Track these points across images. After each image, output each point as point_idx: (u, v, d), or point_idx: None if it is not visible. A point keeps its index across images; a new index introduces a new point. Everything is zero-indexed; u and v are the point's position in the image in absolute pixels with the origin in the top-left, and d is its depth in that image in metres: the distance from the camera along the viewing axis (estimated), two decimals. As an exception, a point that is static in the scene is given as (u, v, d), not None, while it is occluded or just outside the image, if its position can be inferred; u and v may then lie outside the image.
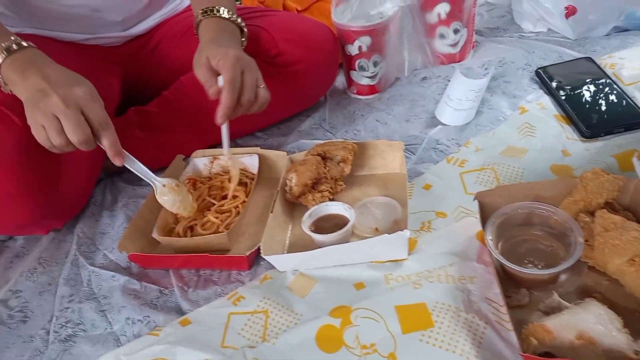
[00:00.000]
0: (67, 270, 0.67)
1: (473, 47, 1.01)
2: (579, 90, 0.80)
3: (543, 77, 0.85)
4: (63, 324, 0.60)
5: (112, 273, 0.65)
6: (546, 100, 0.81)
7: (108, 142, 0.59)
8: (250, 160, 0.77)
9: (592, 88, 0.80)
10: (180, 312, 0.58)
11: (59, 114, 0.56)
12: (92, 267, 0.67)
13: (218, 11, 0.72)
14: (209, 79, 0.66)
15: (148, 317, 0.57)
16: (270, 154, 0.78)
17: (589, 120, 0.74)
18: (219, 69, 0.65)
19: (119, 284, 0.63)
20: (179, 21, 0.94)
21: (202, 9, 0.73)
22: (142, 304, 0.59)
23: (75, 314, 0.61)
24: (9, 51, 0.61)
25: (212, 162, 0.79)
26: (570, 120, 0.75)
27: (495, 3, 1.20)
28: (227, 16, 0.73)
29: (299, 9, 1.05)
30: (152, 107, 0.88)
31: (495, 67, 0.93)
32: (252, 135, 0.92)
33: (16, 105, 0.64)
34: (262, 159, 0.77)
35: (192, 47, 0.75)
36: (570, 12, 0.96)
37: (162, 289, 0.61)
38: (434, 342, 0.48)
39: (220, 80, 0.64)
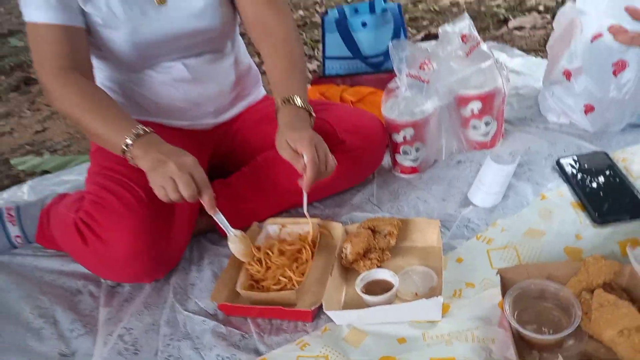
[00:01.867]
0: (166, 314, 0.84)
1: (502, 136, 1.17)
2: (593, 181, 0.94)
3: (563, 168, 1.00)
4: (166, 357, 0.76)
5: (203, 318, 0.81)
6: (564, 188, 0.95)
7: (207, 197, 0.79)
8: (307, 229, 0.94)
9: (605, 180, 0.94)
10: (259, 353, 0.73)
11: (174, 176, 0.76)
12: (186, 312, 0.84)
13: (294, 100, 0.90)
14: (294, 158, 0.83)
15: (234, 355, 0.73)
16: (328, 224, 0.95)
17: (600, 208, 0.87)
18: (300, 150, 0.82)
19: (209, 327, 0.79)
20: (257, 110, 1.15)
21: (282, 98, 0.90)
22: (228, 344, 0.75)
23: (175, 350, 0.77)
24: (137, 136, 0.82)
25: (280, 228, 0.96)
26: (584, 207, 0.89)
27: (524, 94, 1.37)
28: (300, 104, 0.90)
29: (353, 100, 1.25)
30: (233, 179, 1.07)
31: (521, 156, 1.08)
32: (311, 205, 1.09)
33: (139, 179, 0.85)
34: (321, 228, 0.94)
35: (267, 131, 0.95)
36: (588, 109, 1.11)
37: (243, 333, 0.77)
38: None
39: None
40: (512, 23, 2.14)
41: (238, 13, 1.03)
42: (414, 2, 2.92)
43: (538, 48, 1.80)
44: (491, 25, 2.20)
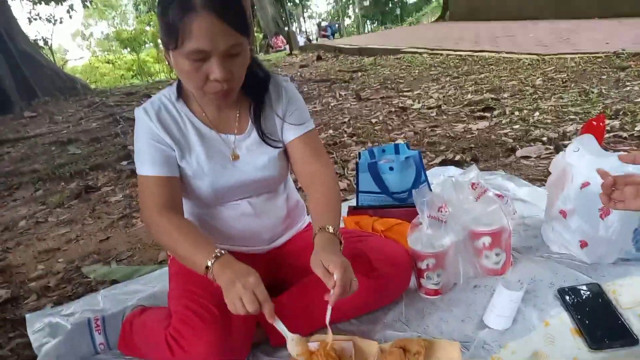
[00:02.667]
0: (231, 416, 1.01)
1: (511, 264, 1.38)
2: (588, 310, 1.12)
3: (563, 297, 1.19)
4: None
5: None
6: (565, 315, 1.13)
7: (268, 309, 0.99)
8: (347, 345, 1.13)
9: (598, 309, 1.12)
10: None
11: (242, 295, 0.97)
12: (248, 416, 1.01)
13: (328, 229, 1.14)
14: (325, 275, 1.03)
15: None
16: (364, 342, 1.13)
17: (594, 336, 1.04)
18: (331, 269, 1.03)
19: None
20: (303, 237, 1.39)
21: (318, 227, 1.14)
22: None
23: None
24: (215, 258, 1.05)
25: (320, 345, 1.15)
26: (581, 333, 1.06)
27: (530, 224, 1.59)
28: (332, 231, 1.14)
29: (383, 229, 1.49)
30: (284, 298, 1.28)
31: (528, 283, 1.28)
32: (349, 322, 1.28)
33: (213, 299, 1.07)
34: (356, 345, 1.13)
35: (309, 258, 1.18)
36: (583, 244, 1.32)
37: None
38: None
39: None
40: (520, 152, 2.43)
41: (290, 164, 1.32)
42: (431, 127, 3.30)
43: (543, 178, 2.05)
44: (500, 154, 2.50)
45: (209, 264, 1.04)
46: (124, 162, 3.87)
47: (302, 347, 1.05)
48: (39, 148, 4.97)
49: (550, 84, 3.87)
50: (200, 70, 1.03)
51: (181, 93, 1.22)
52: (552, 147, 2.40)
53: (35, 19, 12.17)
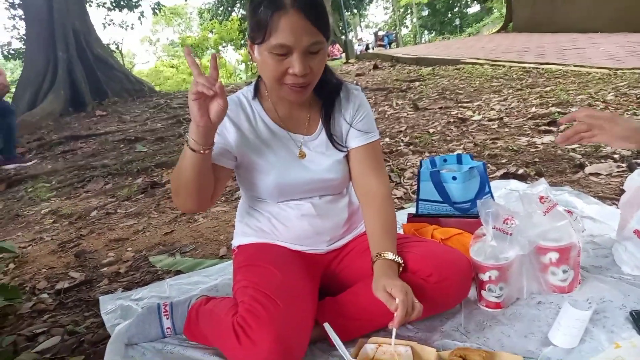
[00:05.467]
0: (290, 408, 1.05)
1: (579, 283, 1.33)
2: (664, 336, 1.06)
3: (636, 319, 1.13)
4: None
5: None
6: (637, 340, 1.08)
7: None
8: (405, 350, 1.13)
9: (675, 336, 1.06)
10: None
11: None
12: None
13: (386, 255, 1.17)
14: (389, 300, 1.07)
15: None
16: (422, 349, 1.13)
17: (670, 362, 0.99)
18: (394, 294, 1.06)
19: None
20: (362, 240, 1.41)
21: (376, 253, 1.19)
22: None
23: None
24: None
25: (377, 347, 1.16)
26: (656, 359, 1.01)
27: (600, 243, 1.53)
28: (391, 258, 1.17)
29: (443, 238, 1.48)
30: (342, 298, 1.31)
31: (597, 303, 1.23)
32: (405, 327, 1.28)
33: (279, 294, 1.11)
34: (414, 350, 1.13)
35: (369, 260, 1.20)
36: (659, 267, 1.26)
37: None
38: None
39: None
40: (589, 169, 2.33)
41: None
42: (492, 140, 3.22)
43: (614, 196, 1.96)
44: (567, 169, 2.40)
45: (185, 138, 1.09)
46: (187, 161, 4.04)
47: None
48: (108, 144, 5.29)
49: (623, 100, 3.67)
50: (281, 64, 1.11)
51: (257, 92, 1.29)
52: (624, 165, 2.29)
53: (109, 24, 13.00)
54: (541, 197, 1.30)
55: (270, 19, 1.06)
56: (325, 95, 1.31)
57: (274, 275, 1.21)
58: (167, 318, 1.37)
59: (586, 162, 2.42)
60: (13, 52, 11.11)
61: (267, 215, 1.35)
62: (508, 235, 1.25)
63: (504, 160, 2.73)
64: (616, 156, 2.43)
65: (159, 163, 4.08)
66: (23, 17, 8.80)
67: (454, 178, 1.60)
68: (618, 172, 2.24)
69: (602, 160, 2.42)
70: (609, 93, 3.96)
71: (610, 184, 2.13)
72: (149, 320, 1.36)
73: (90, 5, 11.25)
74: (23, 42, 9.80)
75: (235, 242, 1.43)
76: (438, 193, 1.62)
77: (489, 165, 2.68)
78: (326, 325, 1.08)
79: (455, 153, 1.73)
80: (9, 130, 4.83)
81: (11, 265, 2.21)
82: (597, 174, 2.26)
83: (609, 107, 3.53)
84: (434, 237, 1.51)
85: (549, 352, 1.10)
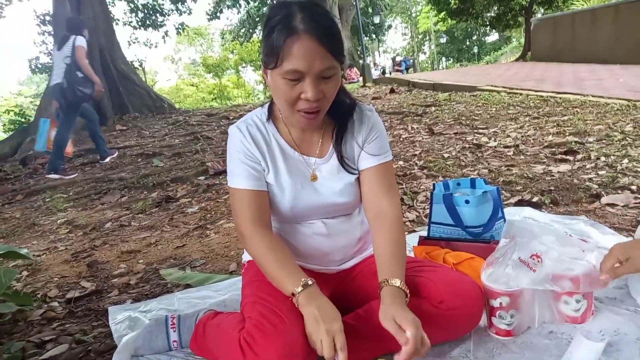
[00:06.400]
0: None
1: (592, 314, 1.30)
2: (680, 372, 1.03)
3: (651, 353, 1.10)
4: None
5: None
6: (652, 374, 1.04)
7: (342, 358, 1.01)
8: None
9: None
10: None
11: (322, 339, 1.02)
12: None
13: (394, 282, 1.15)
14: (398, 331, 1.04)
15: None
16: (431, 374, 1.11)
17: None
18: (403, 326, 1.04)
19: None
20: (372, 262, 1.40)
21: (384, 279, 1.17)
22: None
23: None
24: (304, 287, 1.10)
25: None
26: (671, 395, 0.98)
27: (616, 275, 1.49)
28: (398, 285, 1.15)
29: (454, 262, 1.47)
30: (348, 319, 1.30)
31: (611, 335, 1.20)
32: (412, 352, 1.26)
33: (284, 308, 1.11)
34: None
35: (377, 283, 1.19)
36: (676, 301, 1.22)
37: None
38: None
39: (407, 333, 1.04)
40: (605, 199, 2.29)
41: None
42: (507, 166, 3.20)
43: (630, 228, 1.92)
44: (584, 199, 2.37)
45: (297, 291, 1.10)
46: (202, 177, 4.10)
47: None
48: (127, 158, 5.39)
49: (642, 131, 3.64)
50: (294, 89, 1.11)
51: (271, 114, 1.31)
52: (641, 197, 2.25)
53: (134, 42, 13.39)
54: (583, 240, 1.28)
55: (283, 45, 1.07)
56: (338, 116, 1.31)
57: (282, 292, 1.21)
58: (174, 331, 1.37)
59: (602, 192, 2.38)
60: (40, 66, 11.48)
61: (278, 233, 1.36)
62: (532, 270, 1.23)
63: (518, 188, 2.71)
64: (633, 187, 2.40)
65: (174, 178, 4.13)
66: (52, 32, 9.10)
67: (467, 202, 1.60)
68: (635, 203, 2.20)
69: (619, 191, 2.38)
70: (628, 124, 3.93)
71: (626, 215, 2.09)
72: (156, 332, 1.37)
73: (117, 24, 11.61)
74: (50, 57, 10.13)
75: (245, 257, 1.44)
76: (450, 216, 1.61)
77: (503, 191, 2.66)
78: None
79: (470, 177, 1.72)
80: (93, 134, 5.38)
81: (24, 273, 2.24)
82: (613, 205, 2.22)
83: (628, 137, 3.49)
84: (446, 261, 1.49)
85: (559, 383, 1.07)
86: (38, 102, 8.31)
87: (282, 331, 1.10)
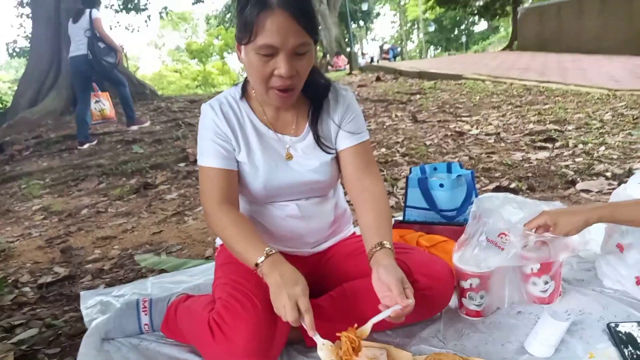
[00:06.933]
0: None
1: (560, 295, 1.32)
2: (636, 347, 1.05)
3: (612, 331, 1.12)
4: None
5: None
6: (612, 351, 1.07)
7: (307, 322, 1.01)
8: (381, 353, 1.12)
9: (652, 349, 1.05)
10: None
11: (285, 304, 1.01)
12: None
13: (385, 245, 1.14)
14: (402, 292, 1.05)
15: None
16: (397, 352, 1.12)
17: (645, 375, 0.98)
18: (391, 287, 1.04)
19: None
20: (347, 244, 1.40)
21: (375, 243, 1.14)
22: None
23: None
24: (267, 255, 1.09)
25: None
26: (630, 372, 1.00)
27: (585, 257, 1.52)
28: (389, 247, 1.14)
29: (428, 245, 1.48)
30: (321, 301, 1.30)
31: (576, 315, 1.22)
32: (384, 333, 1.27)
33: (256, 290, 1.10)
34: (390, 354, 1.11)
35: (353, 263, 1.19)
36: (639, 280, 1.25)
37: None
38: None
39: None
40: (580, 185, 2.32)
41: (340, 173, 1.34)
42: (487, 154, 3.23)
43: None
44: (559, 185, 2.40)
45: (259, 261, 1.08)
46: (182, 164, 4.05)
47: (331, 353, 1.05)
48: (105, 145, 5.30)
49: (620, 120, 3.69)
50: (267, 65, 1.09)
51: (245, 93, 1.29)
52: (615, 183, 2.29)
53: (116, 26, 13.10)
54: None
55: (256, 19, 1.05)
56: (313, 97, 1.30)
57: (253, 274, 1.20)
58: (146, 314, 1.36)
59: (578, 179, 2.42)
60: (18, 50, 11.18)
61: (252, 215, 1.35)
62: (500, 249, 1.24)
63: (497, 174, 2.73)
64: (608, 174, 2.44)
65: (154, 164, 4.08)
66: (30, 15, 8.85)
67: (441, 185, 1.60)
68: (609, 189, 2.24)
69: (594, 178, 2.42)
70: (607, 113, 3.98)
71: (600, 201, 2.12)
72: (127, 316, 1.35)
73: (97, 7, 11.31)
74: (29, 40, 9.85)
75: (218, 242, 1.43)
76: (425, 200, 1.62)
77: (482, 178, 2.68)
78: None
79: (447, 162, 1.73)
80: (125, 98, 5.54)
81: (-3, 259, 2.20)
82: (588, 191, 2.26)
83: (606, 126, 3.54)
84: (419, 244, 1.50)
85: (524, 361, 1.08)
86: (16, 87, 8.11)
87: (251, 312, 1.10)
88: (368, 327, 1.06)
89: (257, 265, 1.09)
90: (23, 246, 2.40)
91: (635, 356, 1.04)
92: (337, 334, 1.06)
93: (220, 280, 1.25)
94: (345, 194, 1.41)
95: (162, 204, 3.00)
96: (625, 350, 1.06)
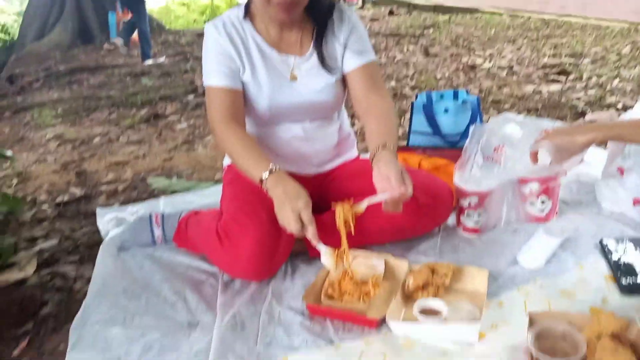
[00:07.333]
0: (266, 306, 1.11)
1: (557, 214, 1.36)
2: (626, 260, 1.10)
3: (604, 246, 1.17)
4: (265, 335, 1.03)
5: (294, 313, 1.08)
6: (602, 263, 1.12)
7: (310, 233, 1.06)
8: (379, 262, 1.18)
9: (638, 261, 1.10)
10: (333, 342, 0.98)
11: (288, 217, 1.06)
12: (280, 307, 1.11)
13: (387, 146, 1.13)
14: (383, 184, 1.08)
15: (314, 340, 0.98)
16: (395, 261, 1.19)
17: (628, 282, 1.03)
18: (390, 177, 1.06)
19: (297, 320, 1.05)
20: (350, 166, 1.44)
21: (378, 144, 1.14)
22: (311, 333, 1.01)
23: (271, 331, 1.03)
24: (271, 172, 1.13)
25: (353, 258, 1.21)
26: (615, 279, 1.06)
27: (585, 182, 1.55)
28: (391, 148, 1.14)
29: (429, 169, 1.51)
30: (325, 217, 1.35)
31: (571, 233, 1.26)
32: (383, 247, 1.33)
33: (262, 204, 1.16)
34: (387, 263, 1.18)
35: (356, 183, 1.22)
36: (636, 202, 1.28)
37: (323, 327, 1.03)
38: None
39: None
40: (589, 116, 2.31)
41: (347, 92, 1.35)
42: (499, 86, 3.18)
43: (609, 142, 1.95)
44: (569, 116, 2.38)
45: (264, 176, 1.12)
46: (191, 96, 4.04)
47: (334, 260, 1.11)
48: (115, 77, 5.27)
49: (638, 53, 3.57)
50: None
51: (248, 12, 1.27)
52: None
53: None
54: (545, 131, 1.30)
55: None
56: (318, 16, 1.28)
57: (259, 190, 1.25)
58: (158, 227, 1.43)
59: (588, 110, 2.39)
60: (21, -20, 10.85)
61: (256, 136, 1.38)
62: (497, 164, 1.26)
63: (507, 106, 2.71)
64: (619, 105, 2.41)
65: (163, 96, 4.08)
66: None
67: (446, 110, 1.61)
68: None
69: (605, 109, 2.39)
70: (626, 46, 3.85)
71: (607, 131, 2.11)
72: (141, 228, 1.43)
73: None
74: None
75: (225, 161, 1.47)
76: (429, 125, 1.63)
77: (490, 109, 2.67)
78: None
79: (453, 90, 1.72)
80: (144, 33, 5.77)
81: (14, 181, 2.28)
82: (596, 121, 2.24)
83: (623, 59, 3.44)
84: (421, 167, 1.53)
85: (515, 271, 1.14)
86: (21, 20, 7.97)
87: (257, 223, 1.16)
88: (363, 204, 1.10)
89: (261, 181, 1.13)
90: (39, 170, 2.47)
91: (621, 267, 1.09)
92: (333, 205, 1.12)
93: (227, 196, 1.31)
94: (352, 116, 1.43)
95: (173, 133, 3.03)
96: (613, 262, 1.10)
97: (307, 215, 1.06)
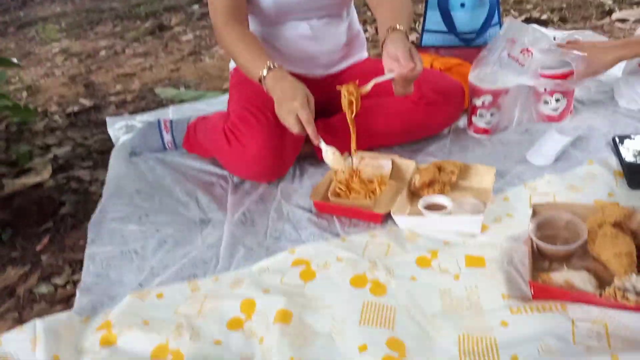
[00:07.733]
0: (275, 205, 1.14)
1: (571, 113, 1.32)
2: (636, 155, 1.08)
3: (616, 142, 1.15)
4: (274, 230, 1.06)
5: (302, 210, 1.11)
6: (612, 159, 1.10)
7: (310, 131, 1.04)
8: (386, 163, 1.18)
9: (650, 156, 1.08)
10: (339, 236, 1.01)
11: (286, 118, 1.04)
12: (289, 206, 1.13)
13: (398, 27, 1.08)
14: (391, 64, 1.04)
15: (322, 234, 1.02)
16: (402, 161, 1.19)
17: (637, 176, 1.02)
18: (398, 54, 1.02)
19: (305, 216, 1.08)
20: (359, 67, 1.39)
21: (389, 27, 1.09)
22: (318, 227, 1.04)
23: (280, 226, 1.07)
24: (269, 69, 1.10)
25: (360, 159, 1.20)
26: (624, 174, 1.05)
27: (604, 81, 1.48)
28: (402, 29, 1.09)
29: (442, 68, 1.45)
30: (334, 120, 1.34)
31: (583, 131, 1.24)
32: (391, 149, 1.33)
33: (267, 105, 1.14)
34: (395, 163, 1.18)
35: (365, 84, 1.19)
36: (655, 98, 1.23)
37: (329, 222, 1.06)
38: (483, 276, 0.85)
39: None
40: (616, 15, 2.16)
41: None
42: (521, -14, 2.96)
43: (634, 41, 1.84)
44: (594, 15, 2.24)
45: (263, 74, 1.09)
46: (196, 6, 3.88)
47: (336, 157, 1.09)
48: (117, -12, 5.05)
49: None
50: None
51: None
52: (657, 11, 2.12)
53: None
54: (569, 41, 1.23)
55: None
56: None
57: (264, 91, 1.23)
58: (168, 132, 1.44)
59: (616, 8, 2.24)
60: None
61: (263, 37, 1.32)
62: (520, 66, 1.21)
63: (529, 6, 2.54)
64: (650, 2, 2.24)
65: (167, 7, 3.93)
66: None
67: (462, 5, 1.51)
68: (648, 19, 2.08)
69: (634, 7, 2.23)
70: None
71: (635, 29, 1.99)
72: (150, 134, 1.44)
73: None
74: None
75: (232, 65, 1.43)
76: (444, 21, 1.54)
77: (512, 10, 2.51)
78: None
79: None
80: None
81: (24, 94, 2.29)
82: (624, 20, 2.11)
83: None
84: (433, 66, 1.48)
85: (522, 168, 1.14)
86: None
87: (263, 123, 1.15)
88: (369, 85, 1.07)
89: (260, 80, 1.10)
90: (48, 83, 2.47)
91: (631, 163, 1.07)
92: (338, 87, 1.10)
93: (234, 97, 1.29)
94: (365, 22, 1.35)
95: (179, 44, 2.96)
96: (623, 157, 1.08)
97: (304, 115, 1.03)
